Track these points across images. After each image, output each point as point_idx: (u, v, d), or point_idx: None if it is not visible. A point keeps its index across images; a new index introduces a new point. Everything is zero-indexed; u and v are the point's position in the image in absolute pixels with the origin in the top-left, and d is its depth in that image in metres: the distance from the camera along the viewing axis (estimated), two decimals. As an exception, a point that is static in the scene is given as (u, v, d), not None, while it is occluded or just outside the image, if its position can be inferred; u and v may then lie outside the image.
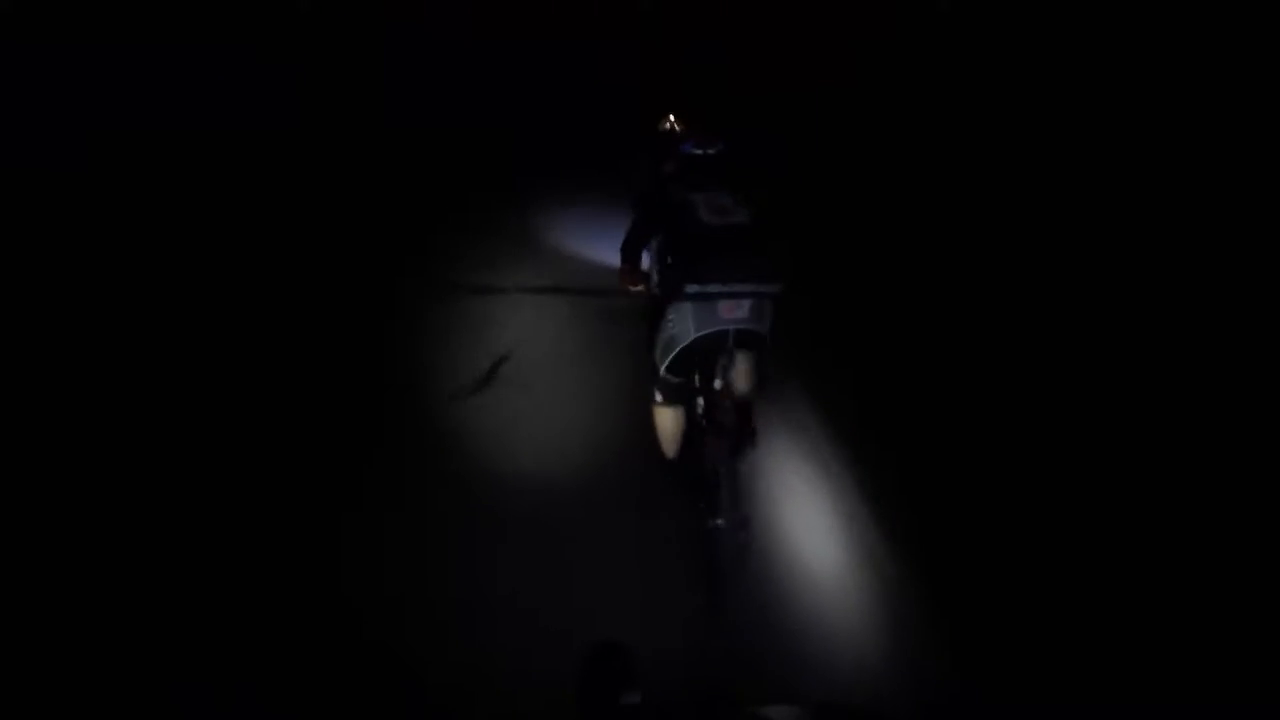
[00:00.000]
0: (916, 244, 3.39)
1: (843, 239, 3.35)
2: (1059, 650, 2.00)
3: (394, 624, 1.92)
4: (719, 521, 2.03)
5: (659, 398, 2.25)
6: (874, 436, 2.66)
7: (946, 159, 3.82)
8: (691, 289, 1.95)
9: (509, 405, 2.59)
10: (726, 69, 4.16)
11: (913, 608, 2.15)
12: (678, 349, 2.07)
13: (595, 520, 2.24)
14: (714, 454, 2.11)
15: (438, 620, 1.93)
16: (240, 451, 2.29)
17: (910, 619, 2.13)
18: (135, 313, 2.69)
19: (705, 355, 2.11)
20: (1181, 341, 2.76)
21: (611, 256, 2.31)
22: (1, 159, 3.23)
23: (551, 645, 1.87)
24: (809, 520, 2.40)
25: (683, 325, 2.04)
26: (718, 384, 2.12)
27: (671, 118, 2.82)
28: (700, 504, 2.15)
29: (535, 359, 2.79)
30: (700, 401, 2.23)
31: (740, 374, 2.19)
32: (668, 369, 2.12)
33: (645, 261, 2.46)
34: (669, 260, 2.14)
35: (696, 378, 2.21)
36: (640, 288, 2.34)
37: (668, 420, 2.28)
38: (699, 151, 2.30)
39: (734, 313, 2.00)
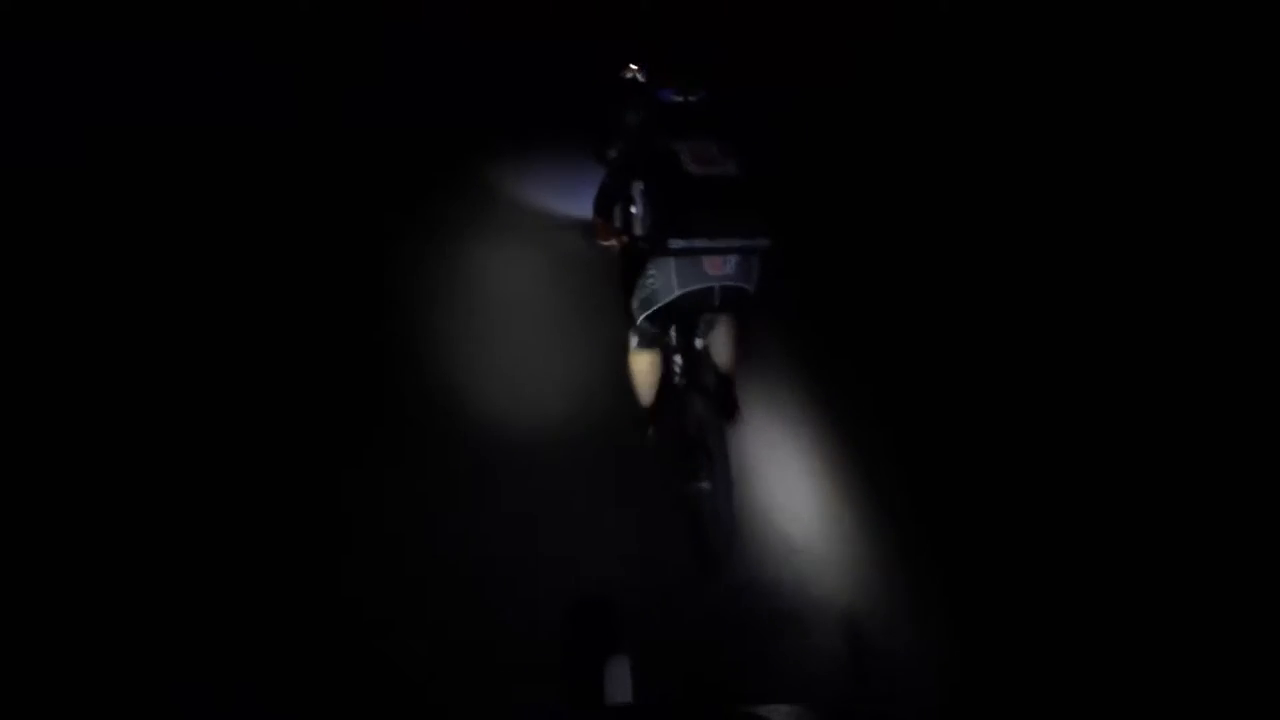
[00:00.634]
0: (914, 240, 3.38)
1: (838, 231, 3.35)
2: (1061, 646, 2.00)
3: (394, 624, 1.92)
4: (703, 485, 1.96)
5: (634, 343, 2.14)
6: (867, 418, 2.65)
7: (945, 158, 3.82)
8: (676, 244, 1.83)
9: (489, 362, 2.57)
10: (722, 63, 4.17)
11: (911, 602, 2.15)
12: (658, 305, 1.97)
13: (580, 492, 2.23)
14: (695, 414, 2.02)
15: (435, 617, 1.93)
16: (239, 450, 2.29)
17: (909, 613, 2.13)
18: (134, 308, 2.68)
19: (686, 313, 2.02)
20: (1179, 338, 2.77)
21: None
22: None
23: (543, 638, 1.88)
24: (799, 501, 2.39)
25: (665, 281, 1.92)
26: (699, 343, 2.05)
27: (634, 66, 2.65)
28: (684, 466, 2.08)
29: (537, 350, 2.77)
30: (678, 360, 2.14)
31: (722, 346, 2.10)
32: (645, 320, 2.04)
33: (620, 215, 2.39)
34: (650, 212, 2.03)
35: (674, 333, 2.12)
36: (613, 242, 2.22)
37: (644, 366, 2.17)
38: (680, 99, 2.15)
39: (720, 269, 1.89)
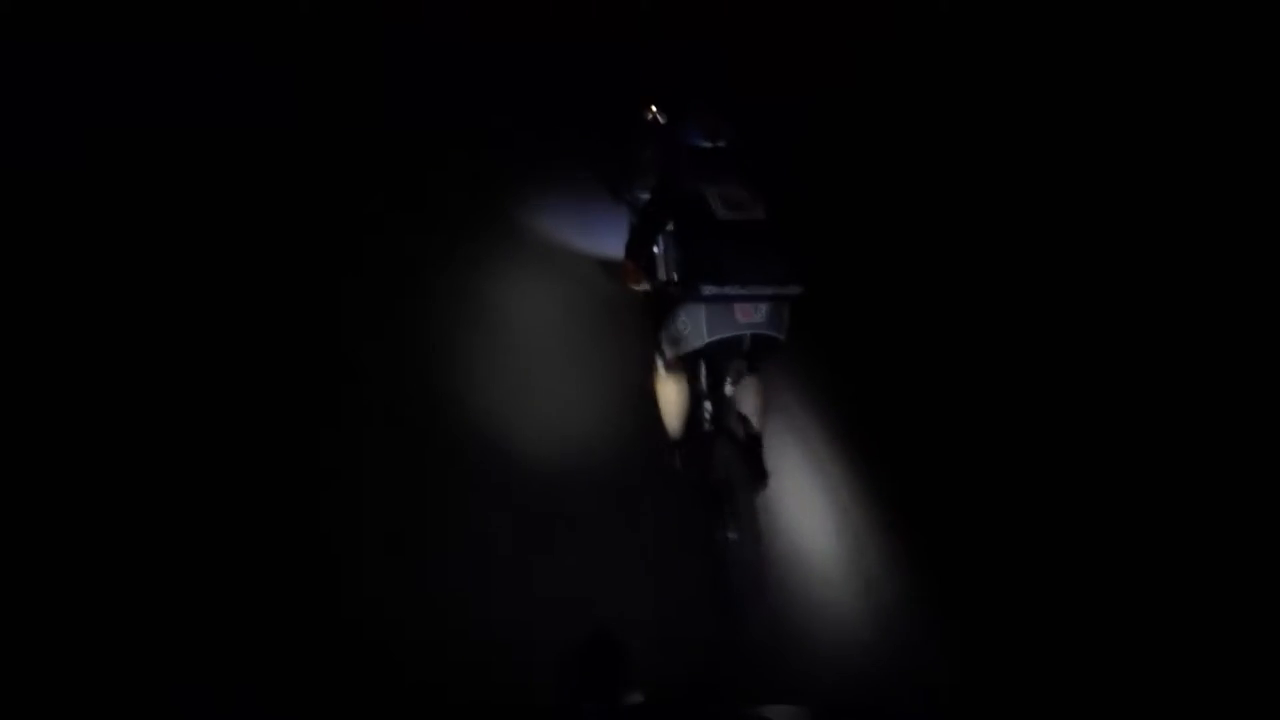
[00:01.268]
0: (916, 243, 3.39)
1: (842, 239, 3.35)
2: (1061, 646, 2.00)
3: (396, 623, 1.92)
4: (730, 535, 1.92)
5: (662, 367, 2.13)
6: (873, 435, 2.65)
7: (946, 159, 3.82)
8: (708, 290, 1.81)
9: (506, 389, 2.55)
10: (725, 69, 4.17)
11: (914, 607, 2.15)
12: (687, 351, 1.96)
13: (597, 513, 2.22)
14: (723, 460, 2.00)
15: (437, 617, 1.93)
16: (240, 450, 2.28)
17: (912, 618, 2.12)
18: (134, 309, 2.68)
19: (716, 359, 2.00)
20: (1180, 340, 2.76)
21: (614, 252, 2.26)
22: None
23: (550, 641, 1.87)
24: (807, 517, 2.40)
25: (695, 327, 1.91)
26: (729, 389, 2.04)
27: (654, 108, 2.66)
28: (709, 514, 2.05)
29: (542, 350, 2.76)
30: (708, 405, 2.13)
31: (750, 408, 2.04)
32: (673, 357, 2.04)
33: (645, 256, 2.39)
34: (679, 256, 2.02)
35: (703, 376, 2.12)
36: (645, 286, 2.22)
37: (671, 391, 2.14)
38: (707, 143, 2.15)
39: (751, 316, 1.87)
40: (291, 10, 4.75)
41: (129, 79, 3.78)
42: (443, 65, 4.51)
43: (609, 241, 2.32)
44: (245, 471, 2.18)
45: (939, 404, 2.68)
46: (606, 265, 2.79)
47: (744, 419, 2.03)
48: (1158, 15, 3.65)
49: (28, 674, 1.67)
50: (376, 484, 2.23)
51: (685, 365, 2.08)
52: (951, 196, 3.56)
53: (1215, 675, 1.88)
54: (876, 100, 4.30)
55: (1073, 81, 3.81)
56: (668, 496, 2.26)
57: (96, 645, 1.75)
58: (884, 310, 3.08)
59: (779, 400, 2.64)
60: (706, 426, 2.16)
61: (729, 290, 1.82)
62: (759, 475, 2.04)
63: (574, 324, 2.94)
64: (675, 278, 2.18)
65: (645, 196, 2.40)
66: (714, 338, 1.89)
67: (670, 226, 2.17)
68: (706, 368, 2.10)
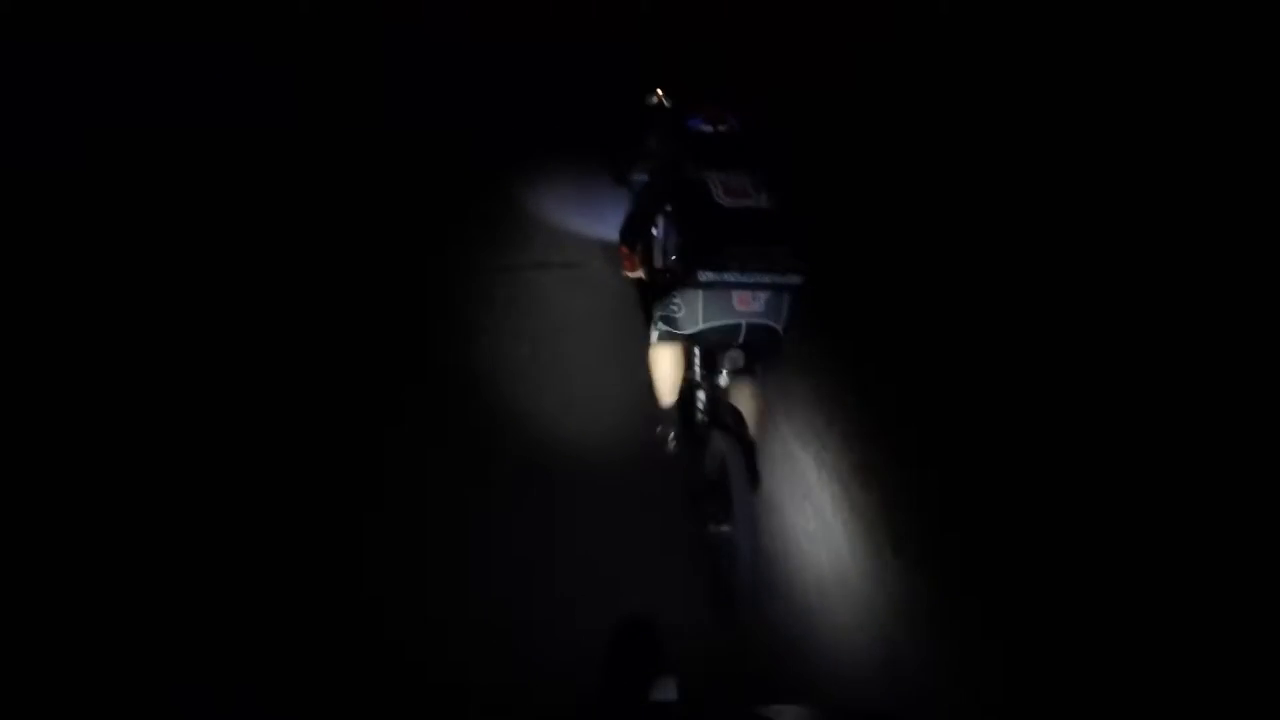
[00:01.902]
0: (916, 242, 3.39)
1: (841, 235, 3.35)
2: (1061, 646, 2.00)
3: (398, 623, 1.91)
4: (724, 528, 1.89)
5: (655, 337, 2.09)
6: (874, 432, 2.65)
7: (946, 160, 3.82)
8: (706, 276, 1.78)
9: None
10: (724, 66, 4.17)
11: (918, 604, 2.14)
12: (680, 333, 1.95)
13: (602, 506, 2.21)
14: (717, 453, 1.97)
15: (445, 617, 1.92)
16: (240, 450, 2.28)
17: (916, 616, 2.12)
18: (135, 309, 2.68)
19: (710, 347, 1.99)
20: (1180, 339, 2.76)
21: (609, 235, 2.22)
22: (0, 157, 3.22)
23: (566, 645, 1.87)
24: (806, 517, 2.39)
25: (690, 313, 1.89)
26: (723, 380, 2.01)
27: (660, 92, 2.63)
28: (703, 508, 2.03)
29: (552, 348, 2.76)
30: (701, 396, 2.12)
31: (747, 411, 2.00)
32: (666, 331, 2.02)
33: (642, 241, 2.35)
34: (678, 241, 2.00)
35: (697, 366, 2.10)
36: (639, 272, 2.20)
37: (665, 361, 2.11)
38: (710, 129, 2.11)
39: (749, 305, 1.84)
40: (291, 10, 4.77)
41: (129, 79, 3.80)
42: (443, 65, 4.52)
43: (613, 232, 2.31)
44: (245, 471, 2.18)
45: (939, 404, 2.68)
46: (611, 254, 2.79)
47: (740, 420, 2.01)
48: (1157, 15, 3.66)
49: (28, 674, 1.67)
50: (376, 484, 2.22)
51: (680, 344, 2.07)
52: (951, 197, 3.57)
53: (1215, 675, 1.88)
54: (876, 100, 4.31)
55: (1072, 81, 3.81)
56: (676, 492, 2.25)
57: (97, 645, 1.75)
58: (885, 304, 3.08)
59: (778, 402, 2.66)
60: (700, 418, 2.15)
61: (727, 277, 1.78)
62: (753, 480, 1.97)
63: (582, 315, 2.96)
64: (674, 262, 2.16)
65: (644, 179, 2.36)
66: (708, 324, 1.87)
67: (670, 210, 2.15)
68: (701, 355, 2.08)
